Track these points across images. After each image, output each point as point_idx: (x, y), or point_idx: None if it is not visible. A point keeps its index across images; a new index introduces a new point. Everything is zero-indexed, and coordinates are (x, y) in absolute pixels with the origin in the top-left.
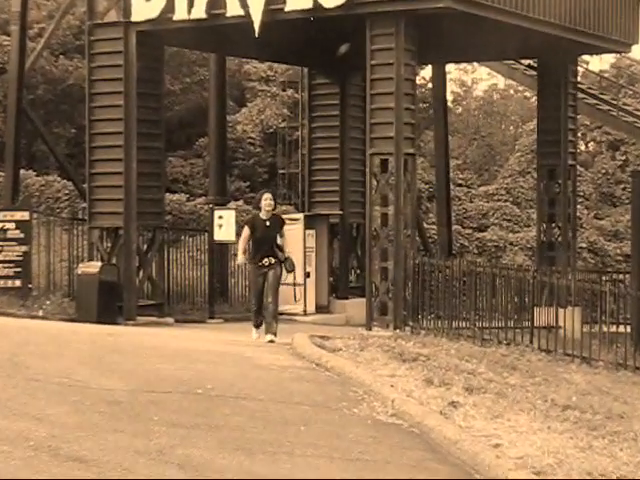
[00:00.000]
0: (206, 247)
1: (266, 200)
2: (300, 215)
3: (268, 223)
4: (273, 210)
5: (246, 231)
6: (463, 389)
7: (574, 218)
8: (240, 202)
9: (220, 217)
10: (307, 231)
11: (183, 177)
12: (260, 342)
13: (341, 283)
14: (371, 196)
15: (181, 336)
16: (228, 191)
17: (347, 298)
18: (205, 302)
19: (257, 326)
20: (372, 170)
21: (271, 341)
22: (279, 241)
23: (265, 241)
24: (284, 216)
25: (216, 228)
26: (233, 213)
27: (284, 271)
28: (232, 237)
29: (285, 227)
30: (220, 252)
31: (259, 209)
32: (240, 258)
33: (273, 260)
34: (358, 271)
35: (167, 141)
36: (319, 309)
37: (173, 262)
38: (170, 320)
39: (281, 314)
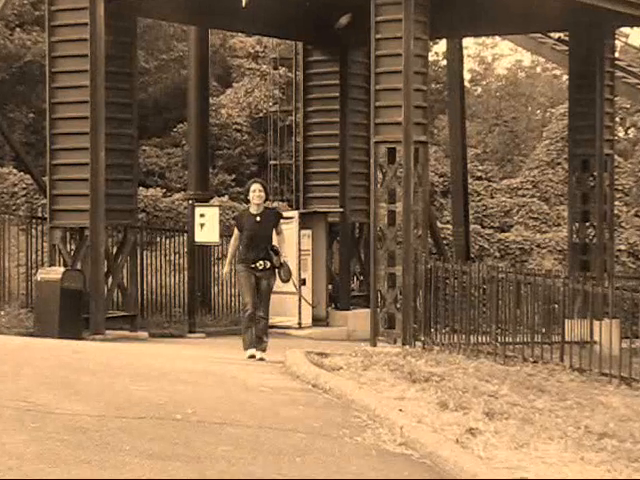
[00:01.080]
0: (185, 250)
1: (255, 191)
2: (294, 213)
3: (259, 218)
4: (265, 202)
5: (235, 233)
6: (483, 414)
7: (611, 216)
8: (225, 198)
9: (202, 215)
10: (302, 231)
11: (159, 169)
12: (249, 360)
13: (342, 292)
14: (376, 191)
15: (157, 353)
16: (211, 185)
17: (349, 309)
18: (184, 314)
19: (251, 345)
20: (377, 161)
21: (261, 359)
22: (275, 241)
23: (256, 241)
24: None
25: (197, 228)
26: (217, 211)
27: (278, 280)
28: (215, 238)
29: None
30: (202, 256)
31: (248, 202)
32: (226, 269)
33: (268, 264)
34: (361, 278)
35: (140, 127)
36: (316, 322)
37: (147, 267)
38: (144, 334)
39: (272, 327)
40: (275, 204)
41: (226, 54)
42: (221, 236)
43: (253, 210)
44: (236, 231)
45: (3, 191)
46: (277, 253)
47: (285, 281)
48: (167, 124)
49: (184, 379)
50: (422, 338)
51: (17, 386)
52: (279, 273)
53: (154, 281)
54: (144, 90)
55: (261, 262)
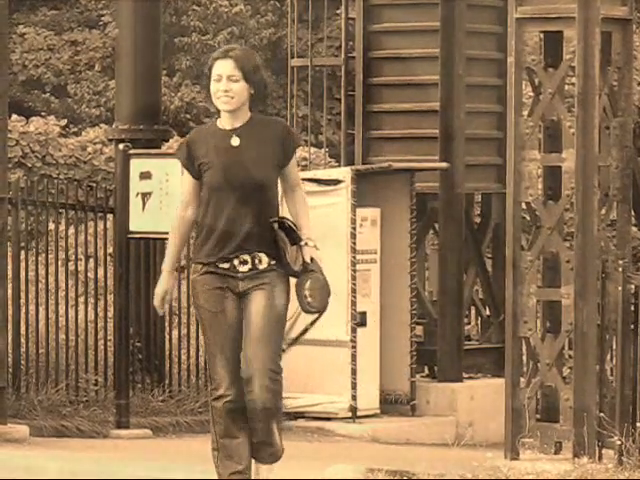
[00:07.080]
0: (110, 250)
1: (219, 80)
2: (343, 171)
3: (237, 142)
4: (251, 108)
5: (187, 181)
6: None
7: None
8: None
9: (145, 176)
10: (359, 211)
11: (55, 76)
12: None
13: (445, 341)
14: (519, 125)
15: (45, 467)
16: (166, 112)
17: (460, 379)
18: (107, 387)
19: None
20: (522, 60)
21: None
22: (287, 205)
23: (232, 196)
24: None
25: (135, 202)
26: (178, 167)
27: (298, 298)
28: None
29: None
30: (146, 263)
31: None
32: (163, 283)
33: (266, 260)
34: (487, 310)
35: None
36: (390, 404)
37: (29, 285)
38: (20, 430)
39: (300, 416)
40: (304, 154)
41: None
42: None
43: (224, 124)
44: (188, 178)
45: None
46: (292, 233)
47: (314, 310)
48: None
49: None
50: (621, 442)
51: None
52: (300, 285)
53: (44, 315)
54: None
55: (247, 256)
